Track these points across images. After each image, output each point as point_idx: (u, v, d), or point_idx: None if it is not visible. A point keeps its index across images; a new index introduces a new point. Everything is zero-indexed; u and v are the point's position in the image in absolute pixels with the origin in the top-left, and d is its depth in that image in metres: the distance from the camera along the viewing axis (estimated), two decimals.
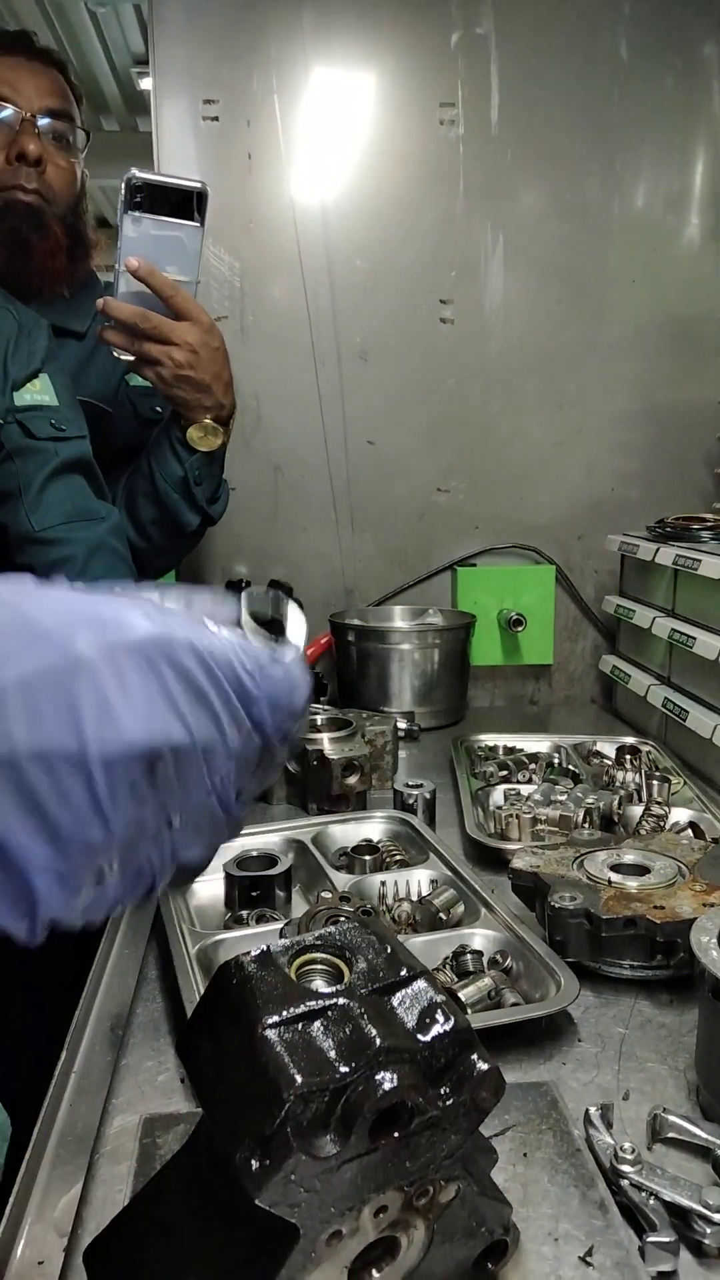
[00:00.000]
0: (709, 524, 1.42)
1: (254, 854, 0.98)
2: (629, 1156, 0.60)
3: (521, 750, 1.33)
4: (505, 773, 1.23)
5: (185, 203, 1.17)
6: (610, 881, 0.84)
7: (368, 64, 1.60)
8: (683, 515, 1.48)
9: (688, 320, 1.69)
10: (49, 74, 1.29)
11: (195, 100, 1.58)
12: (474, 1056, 0.45)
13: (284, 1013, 0.42)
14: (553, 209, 1.66)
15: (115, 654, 0.32)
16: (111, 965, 0.88)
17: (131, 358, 1.24)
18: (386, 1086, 0.42)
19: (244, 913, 0.92)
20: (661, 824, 1.04)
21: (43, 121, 1.25)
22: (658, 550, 1.38)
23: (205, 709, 0.34)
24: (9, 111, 1.24)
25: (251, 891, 0.94)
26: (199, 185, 1.17)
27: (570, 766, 1.24)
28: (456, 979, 0.77)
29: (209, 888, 0.99)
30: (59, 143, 1.29)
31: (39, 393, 1.22)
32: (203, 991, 0.77)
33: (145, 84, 6.22)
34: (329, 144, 1.61)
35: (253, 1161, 0.41)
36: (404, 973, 0.46)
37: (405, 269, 1.65)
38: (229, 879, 0.95)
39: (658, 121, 1.64)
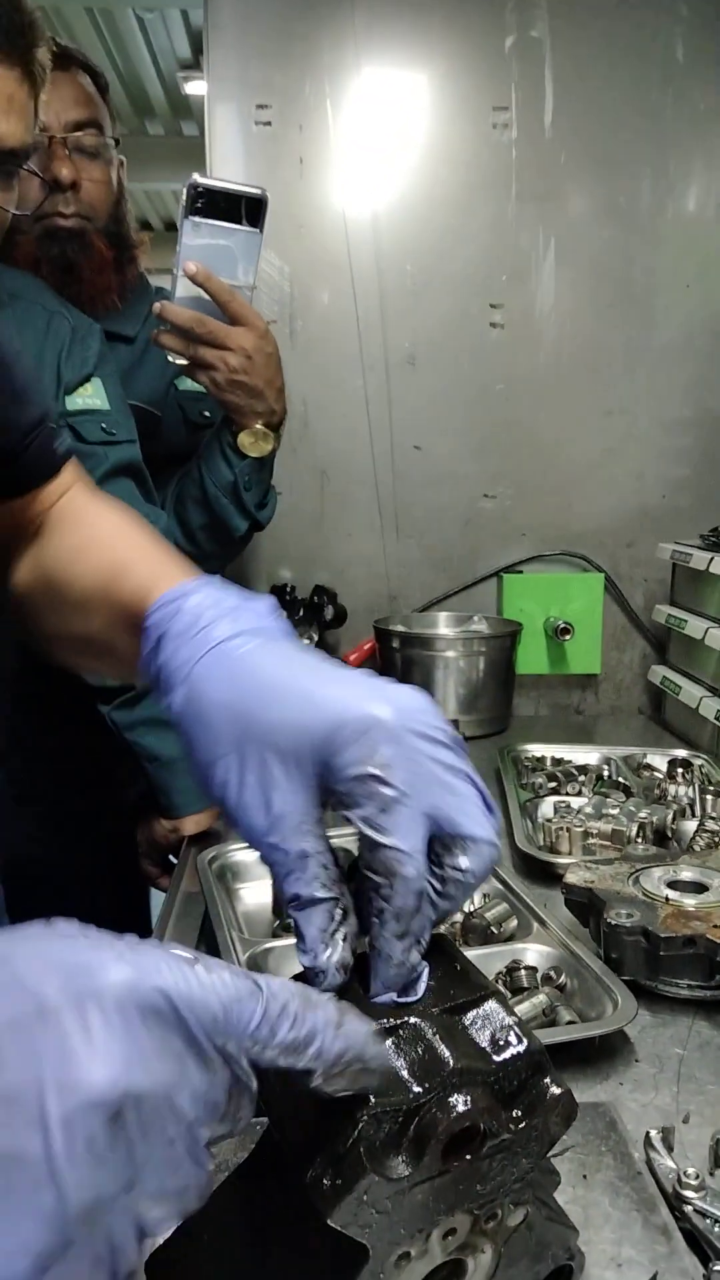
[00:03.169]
0: None
1: None
2: (693, 1182, 0.59)
3: (570, 761, 1.31)
4: (554, 784, 1.21)
5: (245, 209, 1.18)
6: (668, 899, 0.82)
7: (420, 68, 1.60)
8: None
9: None
10: (69, 78, 1.26)
11: (248, 105, 1.59)
12: (546, 1080, 0.45)
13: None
14: (605, 213, 1.64)
15: (83, 1000, 0.32)
16: None
17: (185, 362, 1.25)
18: (460, 1109, 0.41)
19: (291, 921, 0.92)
20: (716, 840, 1.02)
21: (70, 138, 1.24)
22: (711, 560, 1.36)
23: (171, 1053, 0.33)
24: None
25: None
26: (259, 192, 1.18)
27: (620, 779, 1.22)
28: (511, 995, 0.76)
29: (256, 894, 1.00)
30: (90, 155, 1.27)
31: (90, 397, 1.23)
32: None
33: (190, 88, 6.28)
34: (380, 148, 1.60)
35: (324, 1180, 0.40)
36: (476, 993, 0.46)
37: (455, 273, 1.64)
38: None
39: (712, 124, 1.62)
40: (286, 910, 0.46)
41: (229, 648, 0.50)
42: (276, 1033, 0.35)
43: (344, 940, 0.44)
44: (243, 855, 1.02)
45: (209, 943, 0.90)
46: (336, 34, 1.57)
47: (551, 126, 1.61)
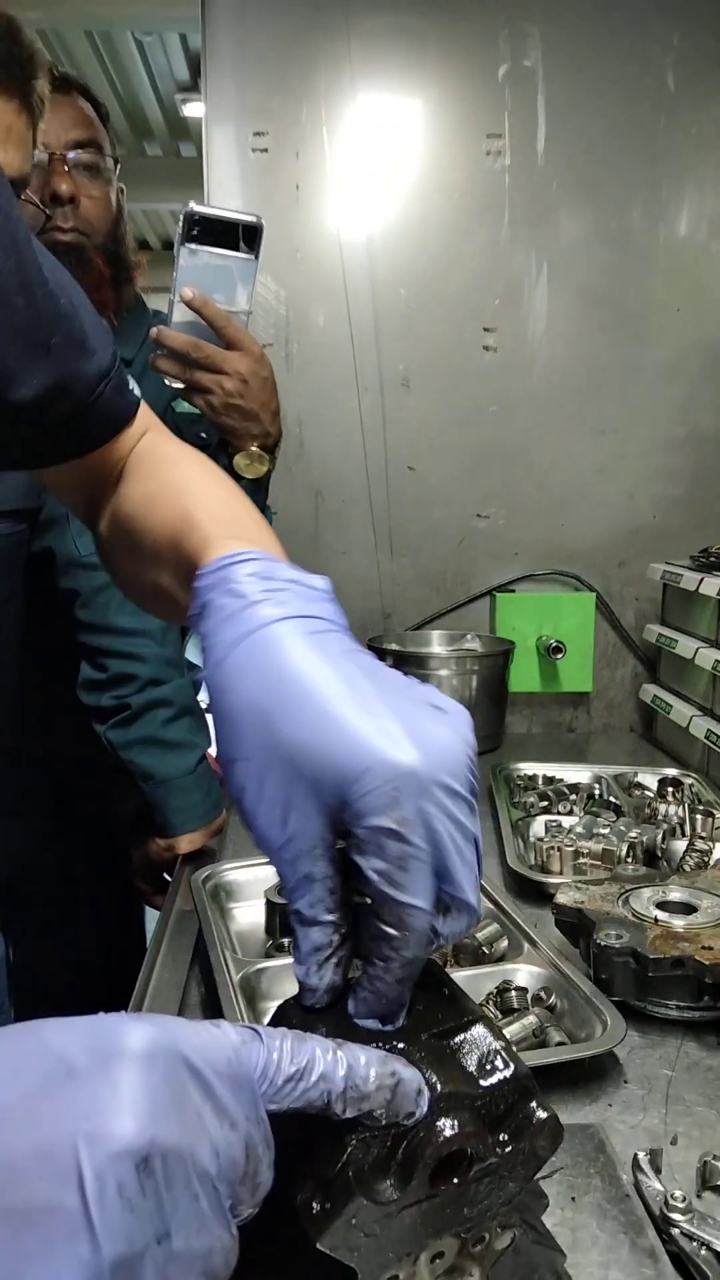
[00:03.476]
0: None
1: None
2: (680, 1205, 0.59)
3: (562, 780, 1.32)
4: (546, 803, 1.22)
5: (241, 235, 1.19)
6: (657, 920, 0.83)
7: (415, 95, 1.62)
8: None
9: None
10: (70, 101, 1.29)
11: (245, 132, 1.61)
12: (533, 1104, 0.45)
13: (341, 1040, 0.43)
14: (597, 237, 1.67)
15: (107, 1059, 0.33)
16: (153, 988, 0.88)
17: (182, 385, 1.26)
18: (448, 1133, 0.42)
19: (285, 941, 0.92)
20: (706, 860, 1.03)
21: (71, 155, 1.26)
22: (702, 580, 1.37)
23: (190, 1107, 0.34)
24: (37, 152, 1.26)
25: None
26: (254, 219, 1.19)
27: (611, 798, 1.23)
28: (501, 1015, 0.77)
29: (249, 914, 1.00)
30: (90, 173, 1.29)
31: None
32: (252, 1023, 0.78)
33: (189, 110, 6.34)
34: (376, 175, 1.63)
35: (313, 1204, 0.41)
36: (463, 1017, 0.46)
37: (449, 297, 1.66)
38: (270, 906, 0.95)
39: (703, 150, 1.65)
40: (289, 913, 0.47)
41: (270, 635, 0.46)
42: (282, 1068, 0.37)
43: (337, 964, 0.45)
44: (236, 875, 1.02)
45: (203, 962, 0.91)
46: (333, 61, 1.60)
47: (544, 153, 1.63)
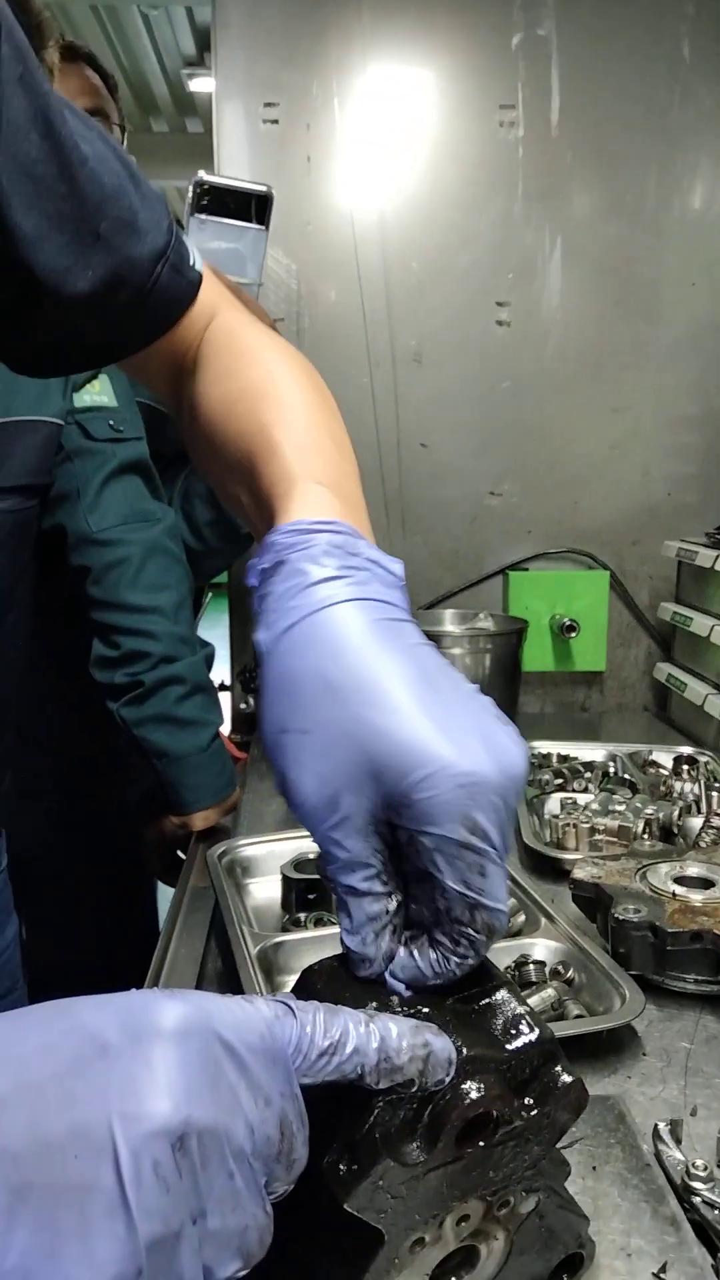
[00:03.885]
0: None
1: (310, 856, 0.99)
2: (701, 1174, 0.59)
3: (576, 758, 1.32)
4: (561, 781, 1.22)
5: (250, 206, 1.18)
6: (674, 895, 0.83)
7: (427, 66, 1.60)
8: None
9: None
10: (77, 70, 1.27)
11: (255, 103, 1.59)
12: (558, 1068, 0.45)
13: (372, 1010, 0.42)
14: (611, 211, 1.64)
15: (141, 1038, 0.33)
16: (169, 964, 0.89)
17: None
18: (474, 1096, 0.42)
19: (301, 915, 0.92)
20: None
21: None
22: (717, 558, 1.36)
23: (225, 1084, 0.34)
24: None
25: (308, 894, 0.94)
26: (264, 189, 1.18)
27: (626, 776, 1.23)
28: (520, 988, 0.76)
29: (265, 889, 1.00)
30: None
31: (98, 394, 1.24)
32: (276, 994, 0.78)
33: (195, 85, 6.29)
34: (387, 147, 1.61)
35: (340, 1166, 0.41)
36: (488, 982, 0.46)
37: (462, 271, 1.65)
38: (286, 881, 0.95)
39: (719, 122, 1.62)
40: (331, 886, 0.45)
41: (347, 613, 0.45)
42: (315, 1042, 0.37)
43: (392, 932, 0.44)
44: (252, 850, 1.02)
45: (219, 937, 0.91)
46: (344, 32, 1.57)
47: (558, 125, 1.61)
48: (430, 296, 1.65)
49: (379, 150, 1.60)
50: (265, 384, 0.60)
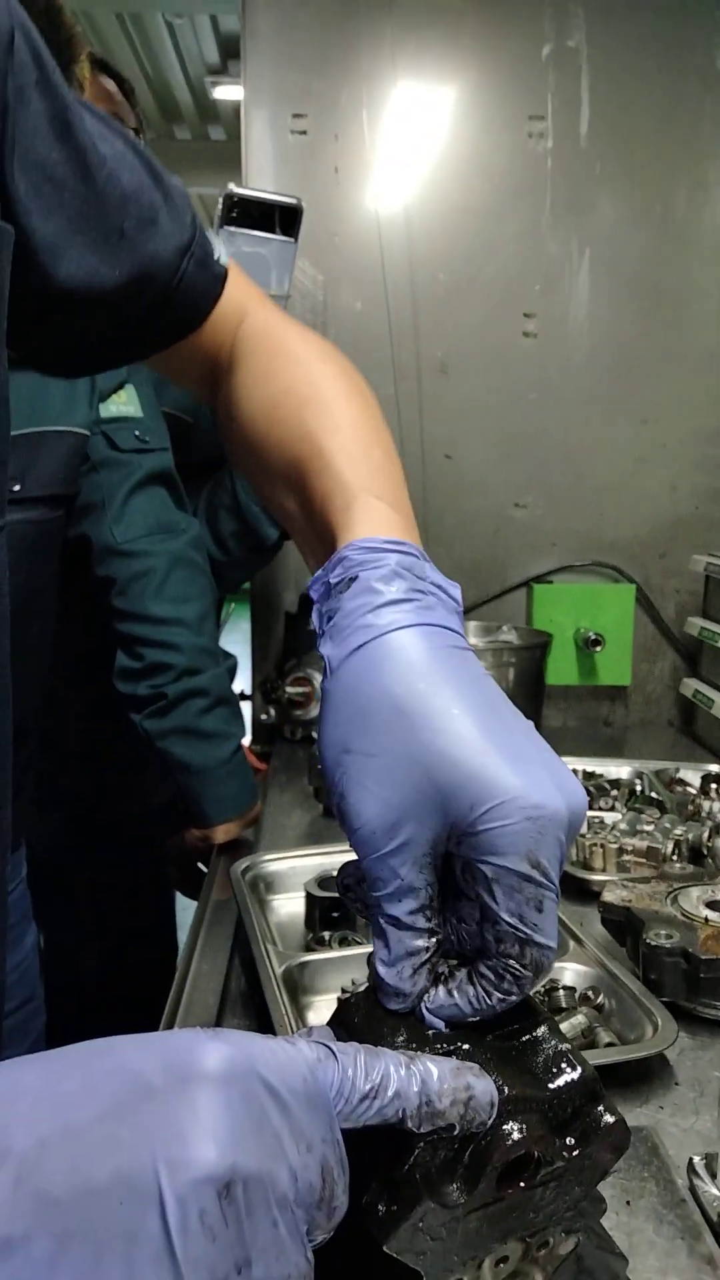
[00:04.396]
0: None
1: (334, 874, 0.98)
2: None
3: (602, 775, 1.30)
4: (587, 799, 1.20)
5: (279, 218, 1.18)
6: (707, 920, 0.81)
7: (456, 78, 1.60)
8: None
9: None
10: (91, 79, 1.27)
11: (284, 114, 1.59)
12: (600, 1108, 0.44)
13: (412, 1051, 0.41)
14: (640, 221, 1.63)
15: (185, 1081, 0.32)
16: (192, 979, 0.88)
17: None
18: (515, 1136, 0.41)
19: (325, 934, 0.92)
20: None
21: None
22: None
23: (269, 1130, 0.33)
24: None
25: (332, 912, 0.93)
26: (294, 201, 1.18)
27: (654, 794, 1.21)
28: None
29: (289, 906, 0.99)
30: None
31: (124, 404, 1.24)
32: (304, 1019, 0.77)
33: (218, 93, 6.31)
34: (415, 157, 1.60)
35: (380, 1206, 0.40)
36: (528, 1018, 0.45)
37: (488, 282, 1.64)
38: (310, 899, 0.94)
39: None
40: (369, 913, 0.44)
41: (419, 637, 0.44)
42: (357, 1086, 0.36)
43: (430, 970, 0.44)
44: (276, 866, 1.01)
45: (243, 953, 0.90)
46: (373, 43, 1.57)
47: (587, 136, 1.60)
48: (457, 307, 1.64)
49: (406, 160, 1.60)
50: (308, 388, 0.58)
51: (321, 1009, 0.81)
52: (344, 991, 0.81)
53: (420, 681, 0.43)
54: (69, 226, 0.54)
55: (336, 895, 0.93)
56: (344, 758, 0.43)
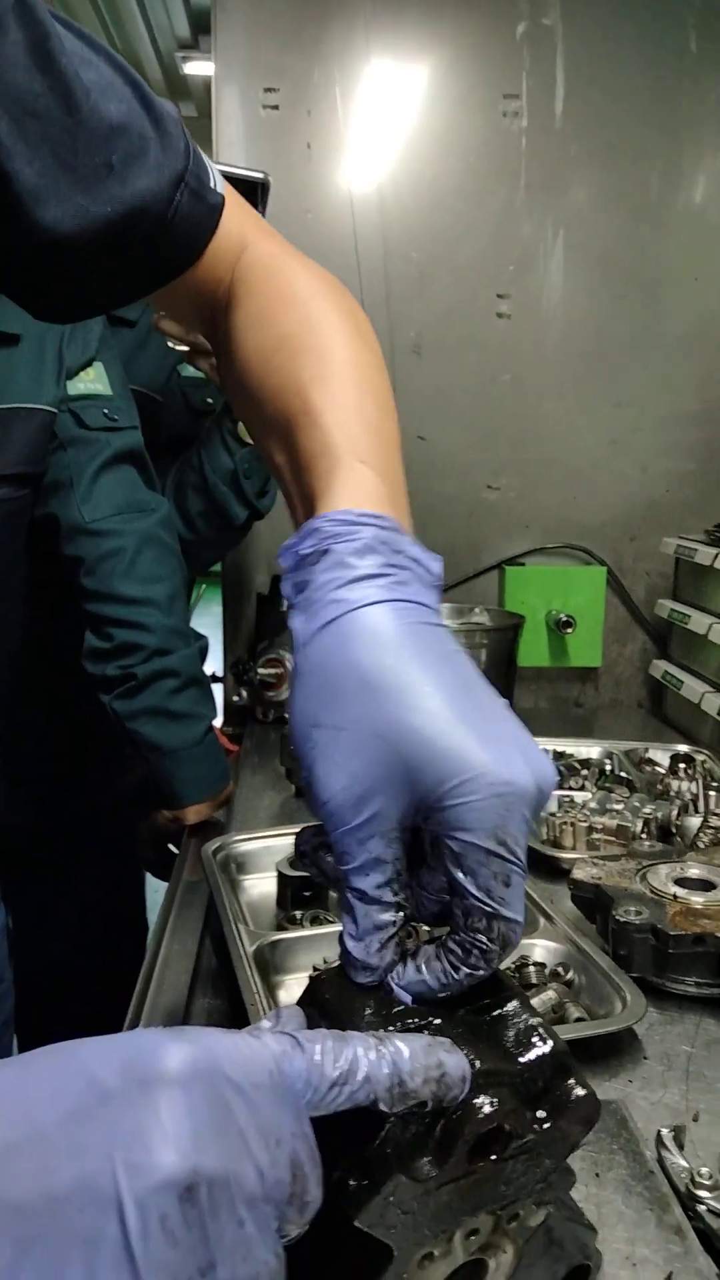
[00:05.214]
0: None
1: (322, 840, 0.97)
2: (706, 1181, 0.58)
3: (573, 755, 1.31)
4: (558, 778, 1.21)
5: (246, 193, 1.16)
6: (675, 896, 0.82)
7: (431, 55, 1.58)
8: None
9: None
10: None
11: (256, 89, 1.57)
12: (570, 1081, 0.44)
13: (382, 1032, 0.41)
14: (614, 203, 1.63)
15: (147, 1083, 0.32)
16: (163, 959, 0.88)
17: (186, 348, 1.23)
18: (486, 1110, 0.41)
19: (297, 913, 0.91)
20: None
21: None
22: (717, 555, 1.36)
23: (233, 1129, 0.33)
24: None
25: (304, 891, 0.93)
26: (261, 176, 1.16)
27: (623, 774, 1.22)
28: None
29: (260, 886, 0.99)
30: None
31: (93, 381, 1.22)
32: (275, 997, 0.77)
33: (189, 68, 6.21)
34: (389, 135, 1.59)
35: (351, 1181, 0.40)
36: (499, 993, 0.45)
37: (463, 262, 1.63)
38: (281, 878, 0.94)
39: None
40: (340, 886, 0.44)
41: (391, 613, 0.44)
42: (325, 1074, 0.36)
43: (397, 944, 0.44)
44: (248, 846, 1.01)
45: (213, 932, 0.90)
46: (347, 18, 1.55)
47: (562, 115, 1.60)
48: (430, 287, 1.63)
49: (380, 138, 1.58)
50: (305, 334, 0.56)
51: (293, 987, 0.81)
52: (315, 970, 0.81)
53: (390, 657, 0.43)
54: (54, 165, 0.51)
55: (308, 874, 0.93)
56: (313, 731, 0.43)
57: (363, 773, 0.42)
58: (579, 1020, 0.73)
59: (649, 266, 1.64)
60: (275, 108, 1.57)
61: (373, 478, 0.50)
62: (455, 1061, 0.39)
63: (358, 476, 0.50)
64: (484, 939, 0.42)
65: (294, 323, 0.57)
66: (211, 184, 0.58)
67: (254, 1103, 0.34)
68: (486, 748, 0.41)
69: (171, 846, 1.32)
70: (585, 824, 1.04)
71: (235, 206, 0.60)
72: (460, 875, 0.41)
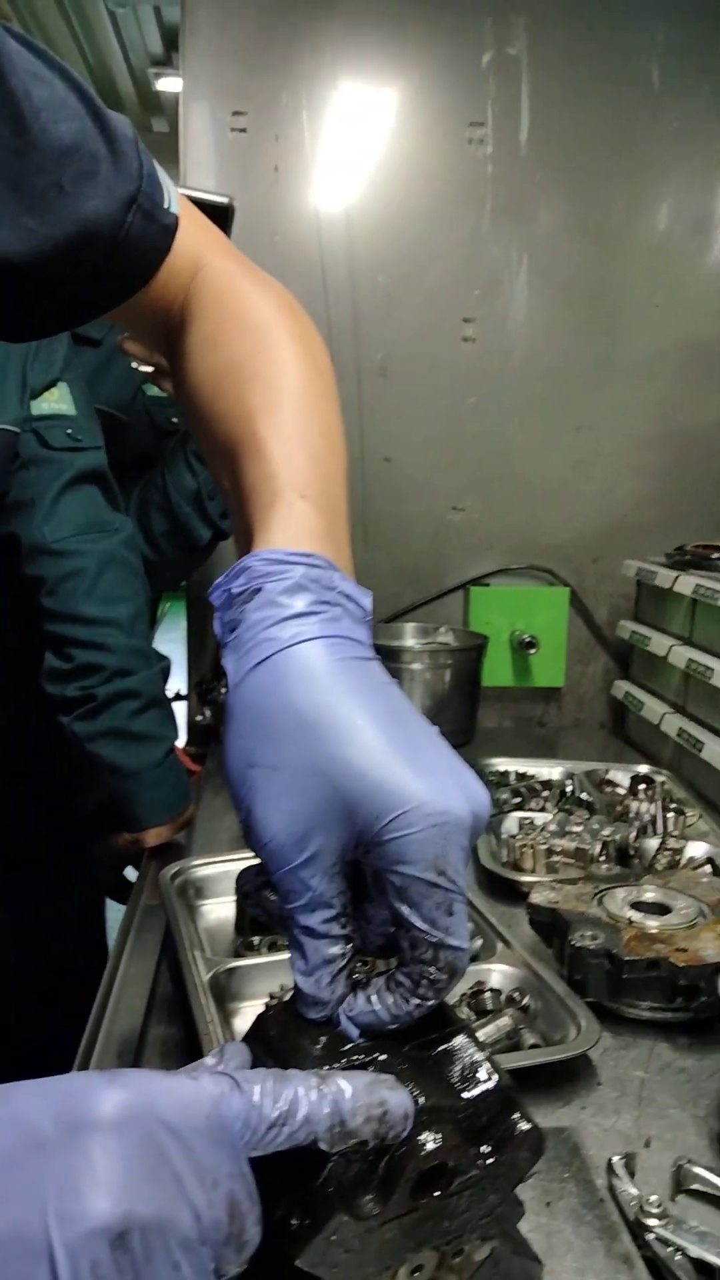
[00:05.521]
0: None
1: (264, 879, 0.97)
2: (654, 1209, 0.59)
3: (534, 776, 1.32)
4: (518, 800, 1.22)
5: (211, 217, 1.17)
6: (631, 921, 0.83)
7: (397, 82, 1.60)
8: (702, 543, 1.48)
9: (710, 344, 1.69)
10: None
11: (224, 111, 1.57)
12: (515, 1115, 0.44)
13: (325, 1069, 0.41)
14: (578, 230, 1.66)
15: (78, 1129, 0.32)
16: (119, 983, 0.87)
17: (150, 369, 1.23)
18: (430, 1147, 0.41)
19: (254, 939, 0.91)
20: (677, 859, 1.03)
21: None
22: (677, 578, 1.37)
23: (168, 1173, 0.33)
24: None
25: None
26: (225, 200, 1.17)
27: (584, 795, 1.23)
28: (475, 1017, 0.76)
29: (219, 910, 0.98)
30: None
31: (57, 401, 1.21)
32: (229, 1027, 0.76)
33: (161, 85, 6.23)
34: (356, 160, 1.60)
35: (292, 1221, 0.39)
36: (445, 1027, 0.45)
37: (429, 287, 1.65)
38: (240, 903, 0.94)
39: (685, 145, 1.64)
40: (287, 924, 0.44)
41: (322, 650, 0.44)
42: (264, 1114, 0.36)
43: (347, 977, 0.44)
44: (207, 870, 1.00)
45: (170, 957, 0.89)
46: (315, 43, 1.57)
47: (527, 143, 1.62)
48: (397, 310, 1.64)
49: (347, 163, 1.60)
50: (254, 358, 0.56)
51: (248, 1014, 0.80)
52: (271, 997, 0.81)
53: (323, 694, 0.43)
54: (1, 186, 0.51)
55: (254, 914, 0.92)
56: (249, 772, 0.43)
57: (302, 810, 0.42)
58: (534, 1047, 0.74)
59: (611, 293, 1.67)
60: (243, 130, 1.58)
61: (310, 514, 0.50)
62: (398, 1099, 0.40)
63: (296, 513, 0.50)
64: (432, 969, 0.42)
65: (245, 347, 0.57)
66: (165, 204, 0.58)
67: (190, 1145, 0.34)
68: (422, 778, 0.41)
69: (132, 868, 1.31)
70: (545, 846, 1.04)
71: (192, 226, 0.61)
72: (404, 909, 0.42)
